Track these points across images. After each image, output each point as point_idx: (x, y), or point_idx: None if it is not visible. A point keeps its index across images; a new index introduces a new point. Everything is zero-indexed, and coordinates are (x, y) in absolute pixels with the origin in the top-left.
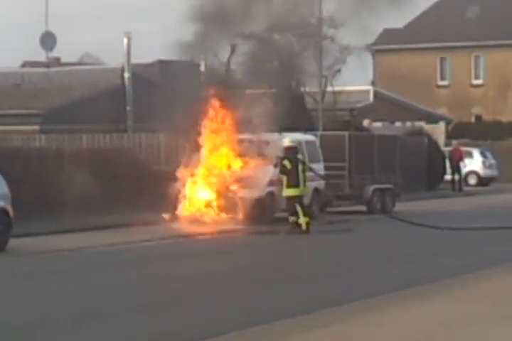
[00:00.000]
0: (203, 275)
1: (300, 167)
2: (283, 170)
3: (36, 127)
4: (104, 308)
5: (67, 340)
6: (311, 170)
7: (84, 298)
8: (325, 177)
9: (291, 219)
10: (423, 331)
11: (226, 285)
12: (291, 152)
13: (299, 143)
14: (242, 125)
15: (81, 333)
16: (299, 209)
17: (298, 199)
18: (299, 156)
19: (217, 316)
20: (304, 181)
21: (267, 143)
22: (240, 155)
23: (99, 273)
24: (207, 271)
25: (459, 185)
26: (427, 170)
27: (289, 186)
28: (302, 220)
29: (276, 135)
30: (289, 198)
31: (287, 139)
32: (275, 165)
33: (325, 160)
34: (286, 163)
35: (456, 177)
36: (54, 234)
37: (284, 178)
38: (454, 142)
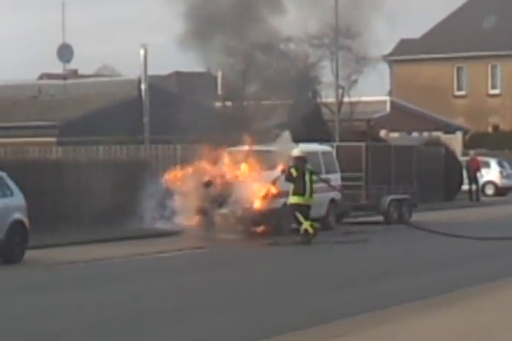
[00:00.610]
0: (218, 286)
1: (307, 176)
2: (288, 178)
3: (53, 139)
4: (116, 319)
5: None
6: (323, 181)
7: (97, 309)
8: (340, 189)
9: (301, 228)
10: None
11: (240, 297)
12: (300, 161)
13: (315, 153)
14: (259, 136)
15: None
16: (298, 215)
17: (300, 208)
18: (308, 166)
19: (223, 329)
20: (311, 191)
21: (276, 153)
22: (252, 166)
23: (113, 284)
24: (222, 282)
25: (477, 195)
26: (444, 180)
27: (294, 194)
28: (306, 225)
29: (286, 145)
30: (292, 205)
31: (296, 149)
32: (284, 175)
33: (342, 171)
34: (293, 170)
35: (474, 187)
36: (70, 246)
37: (291, 187)
38: (471, 152)
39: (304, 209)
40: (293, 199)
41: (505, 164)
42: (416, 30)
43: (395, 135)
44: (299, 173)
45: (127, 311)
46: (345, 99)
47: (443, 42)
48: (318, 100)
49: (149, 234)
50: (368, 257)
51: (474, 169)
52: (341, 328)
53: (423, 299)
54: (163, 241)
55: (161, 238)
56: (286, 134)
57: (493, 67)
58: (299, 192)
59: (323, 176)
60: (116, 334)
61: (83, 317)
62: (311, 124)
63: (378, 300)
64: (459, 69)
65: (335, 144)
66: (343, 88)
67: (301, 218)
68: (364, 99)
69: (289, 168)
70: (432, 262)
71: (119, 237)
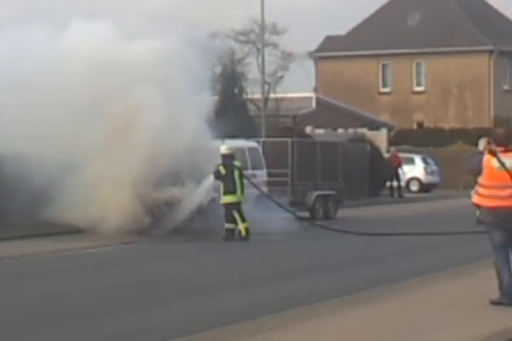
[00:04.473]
0: (143, 282)
1: (236, 173)
2: (217, 176)
3: None
4: (40, 314)
5: None
6: (246, 178)
7: (25, 303)
8: (258, 187)
9: (227, 226)
10: (363, 336)
11: (169, 292)
12: (227, 159)
13: (242, 150)
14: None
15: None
16: (236, 215)
17: (235, 206)
18: (236, 163)
19: (159, 323)
20: (242, 188)
21: (205, 151)
22: None
23: (40, 279)
24: (146, 278)
25: (399, 192)
26: (370, 176)
27: (225, 193)
28: (241, 226)
29: (215, 142)
30: (226, 205)
31: (223, 146)
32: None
33: (268, 167)
34: (221, 168)
35: (395, 183)
36: None
37: (221, 185)
38: (392, 149)
39: (238, 207)
40: (226, 199)
41: (430, 161)
42: (341, 27)
43: (320, 131)
44: (228, 171)
45: (53, 307)
46: (271, 96)
47: (368, 39)
48: (245, 96)
49: (76, 230)
50: (294, 254)
51: (395, 165)
52: (268, 323)
53: (348, 295)
54: (90, 236)
55: (88, 233)
56: None
57: (418, 65)
58: (230, 190)
59: (250, 172)
60: (40, 330)
61: (9, 310)
62: (237, 120)
63: (304, 297)
64: (384, 66)
65: (261, 140)
66: (269, 84)
67: (238, 219)
68: (290, 95)
69: (217, 165)
70: (354, 258)
71: (46, 233)
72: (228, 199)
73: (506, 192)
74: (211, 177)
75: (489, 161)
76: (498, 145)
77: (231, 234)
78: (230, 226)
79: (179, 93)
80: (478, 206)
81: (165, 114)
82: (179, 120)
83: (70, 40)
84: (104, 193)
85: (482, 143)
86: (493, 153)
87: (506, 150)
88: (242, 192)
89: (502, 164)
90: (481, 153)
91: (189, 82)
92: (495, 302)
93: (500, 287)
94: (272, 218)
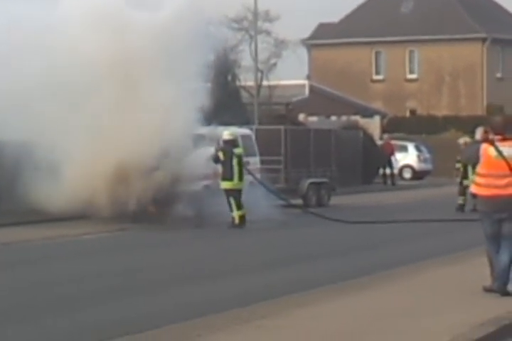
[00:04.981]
0: (133, 270)
1: (235, 160)
2: (216, 161)
3: None
4: (27, 303)
5: None
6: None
7: (14, 291)
8: (253, 173)
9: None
10: (357, 323)
11: (159, 280)
12: (228, 145)
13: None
14: None
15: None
16: (232, 202)
17: (231, 192)
18: (236, 150)
19: (151, 310)
20: (239, 175)
21: (203, 137)
22: None
23: (31, 267)
24: (136, 266)
25: (392, 179)
26: (363, 164)
27: (222, 179)
28: (235, 214)
29: (212, 128)
30: (224, 191)
31: (226, 132)
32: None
33: (261, 154)
34: (220, 154)
35: (388, 171)
36: None
37: (220, 171)
38: (385, 136)
39: (235, 193)
40: (223, 185)
41: (423, 148)
42: (334, 15)
43: (313, 119)
44: (226, 157)
45: (41, 296)
46: (264, 83)
47: (361, 26)
48: (238, 83)
49: (70, 216)
50: (288, 241)
51: (388, 153)
52: (261, 310)
53: (340, 282)
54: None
55: (82, 220)
56: None
57: (411, 52)
58: (227, 177)
59: (243, 159)
60: (25, 319)
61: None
62: (230, 107)
63: (296, 284)
64: (377, 53)
65: (254, 127)
66: (262, 72)
67: (233, 205)
68: (283, 82)
69: (217, 151)
70: (347, 246)
71: (39, 220)
72: (225, 185)
73: (504, 181)
74: (206, 151)
75: (486, 150)
76: (496, 133)
77: (241, 221)
78: (241, 213)
79: (179, 76)
80: (475, 195)
81: (166, 96)
82: (178, 105)
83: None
84: (97, 179)
85: (479, 132)
86: (490, 142)
87: (504, 139)
88: (240, 179)
89: (500, 153)
90: (478, 142)
91: (187, 67)
92: (487, 289)
93: (492, 274)
94: (264, 205)
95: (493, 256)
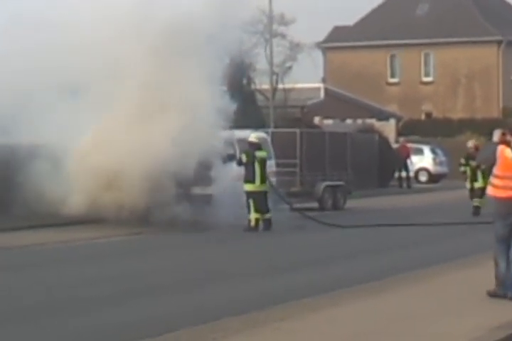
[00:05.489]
0: (151, 272)
1: (257, 163)
2: (239, 163)
3: None
4: (41, 305)
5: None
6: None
7: (28, 294)
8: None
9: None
10: (373, 326)
11: (174, 283)
12: (251, 147)
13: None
14: None
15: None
16: (251, 204)
17: (252, 194)
18: (259, 153)
19: (167, 312)
20: (261, 178)
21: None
22: None
23: (44, 270)
24: (153, 268)
25: (407, 182)
26: (378, 167)
27: (245, 181)
28: (252, 216)
29: (228, 132)
30: (246, 193)
31: (253, 135)
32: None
33: (276, 158)
34: (243, 156)
35: (404, 174)
36: (2, 232)
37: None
38: (401, 139)
39: (257, 196)
40: (245, 187)
41: (438, 151)
42: (349, 18)
43: (328, 122)
44: (249, 159)
45: (54, 298)
46: (280, 86)
47: (376, 29)
48: (253, 87)
49: (84, 220)
50: (305, 244)
51: (404, 156)
52: (278, 313)
53: (357, 285)
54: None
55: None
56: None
57: (426, 55)
58: (249, 179)
59: None
60: (37, 322)
61: (14, 301)
62: (245, 111)
63: (310, 288)
64: (392, 56)
65: (269, 131)
66: (277, 75)
67: (251, 207)
68: (298, 85)
69: (242, 153)
70: (359, 250)
71: (54, 223)
72: (247, 187)
73: None
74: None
75: (503, 151)
76: None
77: (256, 224)
78: (258, 216)
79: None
80: (492, 197)
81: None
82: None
83: None
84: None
85: (497, 134)
86: (507, 144)
87: None
88: (263, 182)
89: None
90: (494, 144)
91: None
92: (491, 294)
93: (497, 277)
94: (278, 208)
95: (498, 257)
